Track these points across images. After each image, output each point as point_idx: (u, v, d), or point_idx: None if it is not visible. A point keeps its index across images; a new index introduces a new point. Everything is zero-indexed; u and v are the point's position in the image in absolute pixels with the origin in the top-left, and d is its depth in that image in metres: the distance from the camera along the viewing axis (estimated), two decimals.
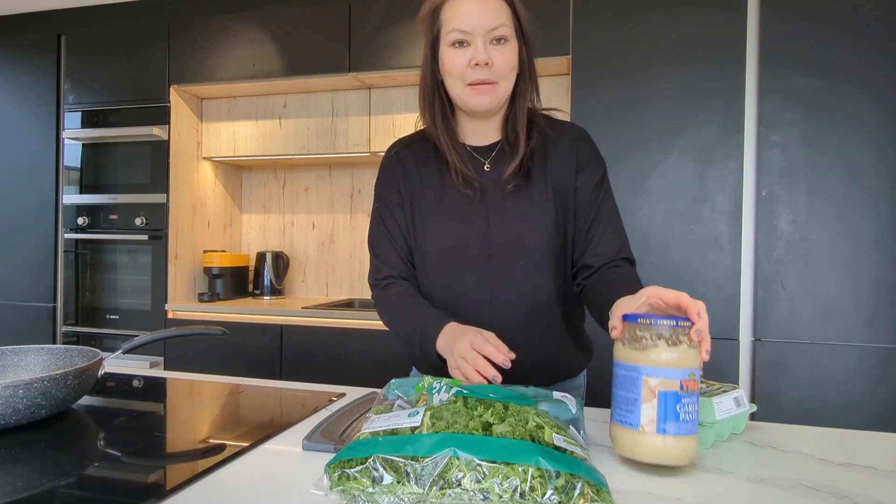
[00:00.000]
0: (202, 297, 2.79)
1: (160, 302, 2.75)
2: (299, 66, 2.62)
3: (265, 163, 3.04)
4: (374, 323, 2.37)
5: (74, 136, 2.89)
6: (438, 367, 1.10)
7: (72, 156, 2.92)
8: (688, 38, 2.08)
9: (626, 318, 0.76)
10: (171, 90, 2.77)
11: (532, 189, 1.05)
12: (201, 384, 1.20)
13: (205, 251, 2.94)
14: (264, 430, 0.89)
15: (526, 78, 1.05)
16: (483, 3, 0.98)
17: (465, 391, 0.76)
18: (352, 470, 0.62)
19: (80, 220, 2.88)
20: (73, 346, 1.09)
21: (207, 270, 2.88)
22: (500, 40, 0.98)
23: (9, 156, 2.99)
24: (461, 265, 1.05)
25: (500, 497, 0.58)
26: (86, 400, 1.05)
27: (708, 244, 2.07)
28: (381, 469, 0.61)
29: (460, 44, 0.99)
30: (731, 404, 0.85)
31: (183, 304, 2.73)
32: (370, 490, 0.60)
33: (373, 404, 0.82)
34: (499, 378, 0.84)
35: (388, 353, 2.34)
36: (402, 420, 0.69)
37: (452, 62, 1.00)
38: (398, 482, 0.60)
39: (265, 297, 2.96)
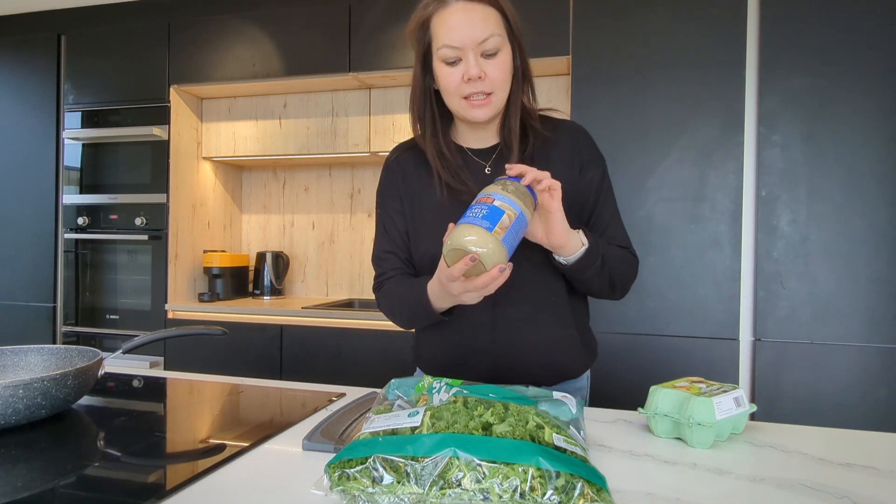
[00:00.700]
0: (202, 297, 2.79)
1: (160, 302, 2.75)
2: (299, 66, 2.62)
3: (265, 163, 3.04)
4: (374, 323, 2.37)
5: (74, 136, 2.89)
6: (441, 370, 1.10)
7: (72, 156, 2.93)
8: (688, 38, 2.08)
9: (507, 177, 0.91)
10: (171, 90, 2.77)
11: None
12: (201, 384, 1.20)
13: (205, 251, 2.94)
14: (264, 430, 0.89)
15: (519, 81, 1.05)
16: (471, 14, 0.96)
17: (465, 391, 0.76)
18: (352, 470, 0.62)
19: (80, 220, 2.88)
20: (73, 346, 1.09)
21: (207, 270, 2.88)
22: (492, 52, 0.97)
23: (9, 156, 2.99)
24: None
25: (500, 497, 0.58)
26: (86, 400, 1.05)
27: (708, 244, 2.07)
28: (381, 469, 0.61)
29: (452, 59, 0.98)
30: (731, 404, 0.85)
31: (183, 304, 2.73)
32: (370, 490, 0.60)
33: (373, 404, 0.82)
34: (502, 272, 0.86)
35: (388, 353, 2.34)
36: (402, 420, 0.69)
37: (446, 79, 1.00)
38: (398, 482, 0.60)
39: (265, 297, 2.96)
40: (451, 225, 0.88)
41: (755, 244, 2.06)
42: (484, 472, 0.59)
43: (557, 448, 0.64)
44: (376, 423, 0.70)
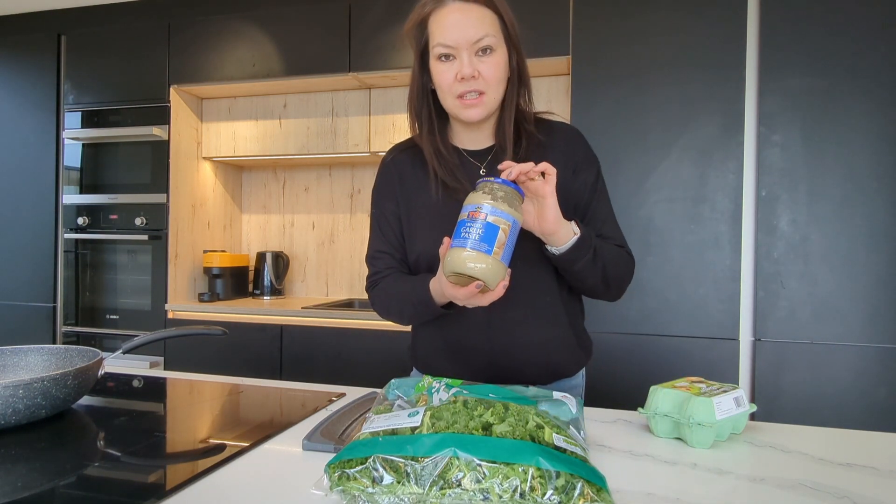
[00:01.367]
0: (202, 297, 2.79)
1: (160, 302, 2.75)
2: (299, 66, 2.62)
3: (265, 163, 3.04)
4: (374, 323, 2.37)
5: (74, 136, 2.89)
6: (437, 370, 1.10)
7: (72, 156, 2.92)
8: (688, 38, 2.08)
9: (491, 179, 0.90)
10: (171, 90, 2.77)
11: None
12: (201, 384, 1.20)
13: (205, 251, 2.94)
14: (264, 430, 0.89)
15: (515, 83, 1.05)
16: (467, 14, 0.97)
17: (464, 391, 0.76)
18: (352, 470, 0.62)
19: (80, 220, 2.88)
20: (73, 346, 1.09)
21: (207, 270, 2.88)
22: (485, 51, 0.98)
23: (9, 156, 2.99)
24: None
25: (500, 497, 0.58)
26: (86, 400, 1.05)
27: (708, 244, 2.07)
28: (381, 469, 0.61)
29: (446, 57, 0.99)
30: (731, 404, 0.85)
31: (183, 304, 2.73)
32: (370, 490, 0.60)
33: (373, 404, 0.82)
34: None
35: (388, 353, 2.34)
36: (402, 420, 0.69)
37: (440, 76, 1.01)
38: (398, 482, 0.60)
39: (265, 297, 2.96)
40: (446, 239, 0.88)
41: (755, 244, 2.06)
42: (484, 472, 0.59)
43: (557, 448, 0.64)
44: (376, 423, 0.70)
